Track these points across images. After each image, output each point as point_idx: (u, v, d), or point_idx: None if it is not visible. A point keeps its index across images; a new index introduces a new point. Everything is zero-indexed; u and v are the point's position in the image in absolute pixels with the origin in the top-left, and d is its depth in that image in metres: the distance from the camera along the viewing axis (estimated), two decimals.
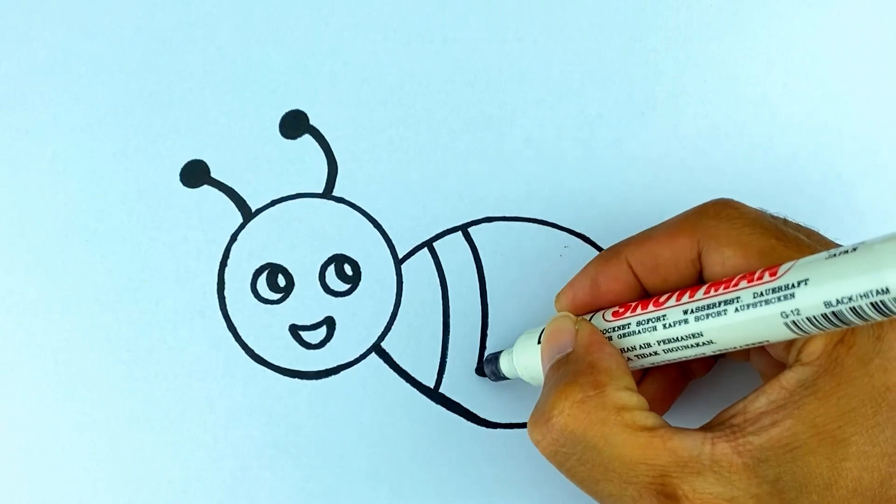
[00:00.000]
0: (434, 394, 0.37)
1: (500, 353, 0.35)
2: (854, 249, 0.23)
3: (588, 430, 0.27)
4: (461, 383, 0.37)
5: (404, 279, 0.37)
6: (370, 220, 0.38)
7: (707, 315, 0.27)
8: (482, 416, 0.37)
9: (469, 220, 0.38)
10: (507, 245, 0.38)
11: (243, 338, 0.37)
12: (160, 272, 0.37)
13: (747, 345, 0.27)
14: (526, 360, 0.33)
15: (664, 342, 0.29)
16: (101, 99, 0.39)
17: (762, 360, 0.32)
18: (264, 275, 0.38)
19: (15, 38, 0.39)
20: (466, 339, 0.37)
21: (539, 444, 0.29)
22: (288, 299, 0.37)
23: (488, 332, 0.37)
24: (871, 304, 0.23)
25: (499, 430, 0.37)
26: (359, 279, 0.38)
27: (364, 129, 0.38)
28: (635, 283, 0.31)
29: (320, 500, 0.36)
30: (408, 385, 0.37)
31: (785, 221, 0.30)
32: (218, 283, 0.37)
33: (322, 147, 0.38)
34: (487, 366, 0.36)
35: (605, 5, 0.39)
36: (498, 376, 0.35)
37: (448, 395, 0.37)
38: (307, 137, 0.38)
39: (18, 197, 0.38)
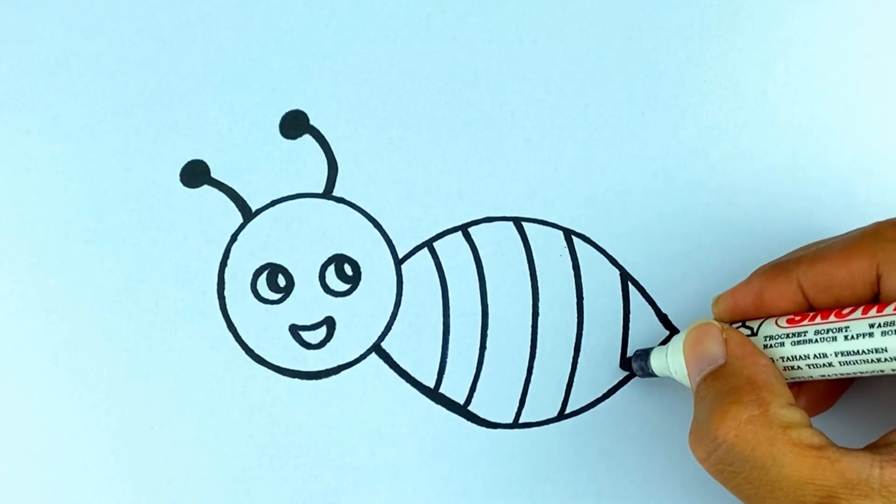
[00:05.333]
0: (434, 394, 0.37)
1: (650, 349, 0.35)
2: None
3: (756, 449, 0.28)
4: (461, 383, 0.37)
5: (404, 279, 0.37)
6: (370, 220, 0.38)
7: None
8: (482, 416, 0.37)
9: (469, 220, 0.38)
10: (507, 245, 0.38)
11: (243, 338, 0.37)
12: (160, 272, 0.37)
13: None
14: (682, 361, 0.33)
15: (843, 354, 0.29)
16: (101, 99, 0.39)
17: None
18: (264, 275, 0.38)
19: (15, 38, 0.39)
20: (466, 339, 0.37)
21: (704, 461, 0.29)
22: (288, 299, 0.37)
23: (488, 332, 0.37)
24: None
25: (499, 430, 0.37)
26: (359, 279, 0.38)
27: (364, 129, 0.38)
28: (803, 301, 0.31)
29: (320, 500, 0.36)
30: (408, 385, 0.37)
31: None
32: (218, 283, 0.37)
33: (322, 147, 0.38)
34: (636, 361, 0.36)
35: (605, 5, 0.39)
36: (646, 372, 0.35)
37: (448, 395, 0.37)
38: (307, 137, 0.38)
39: (18, 197, 0.38)
